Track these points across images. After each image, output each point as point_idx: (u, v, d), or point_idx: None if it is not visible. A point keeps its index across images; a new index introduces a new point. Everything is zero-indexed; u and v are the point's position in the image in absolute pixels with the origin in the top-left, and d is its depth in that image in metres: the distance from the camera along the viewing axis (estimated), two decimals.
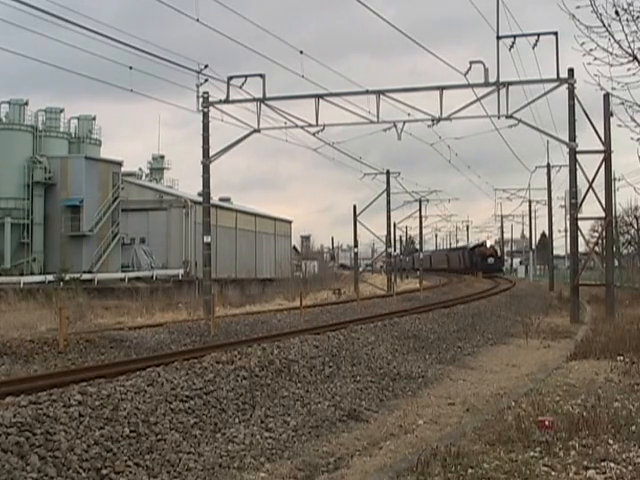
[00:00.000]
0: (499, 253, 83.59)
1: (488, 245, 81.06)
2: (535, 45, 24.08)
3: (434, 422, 10.12)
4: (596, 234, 46.92)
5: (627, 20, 11.78)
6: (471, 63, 24.17)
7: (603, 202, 25.62)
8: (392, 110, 27.04)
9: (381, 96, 25.77)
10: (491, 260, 78.83)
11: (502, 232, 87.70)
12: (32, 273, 51.33)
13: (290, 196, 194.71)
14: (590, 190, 25.70)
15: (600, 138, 25.03)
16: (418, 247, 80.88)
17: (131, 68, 24.49)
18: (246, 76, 26.69)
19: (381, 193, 50.34)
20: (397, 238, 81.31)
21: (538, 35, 24.11)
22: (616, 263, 36.24)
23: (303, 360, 12.77)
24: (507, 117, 25.29)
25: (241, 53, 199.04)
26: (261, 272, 73.20)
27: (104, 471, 7.14)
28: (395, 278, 62.18)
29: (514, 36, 24.21)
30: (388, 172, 50.01)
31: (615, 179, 32.18)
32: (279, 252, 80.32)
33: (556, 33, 23.69)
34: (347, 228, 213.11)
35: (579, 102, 24.71)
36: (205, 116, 27.36)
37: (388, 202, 50.78)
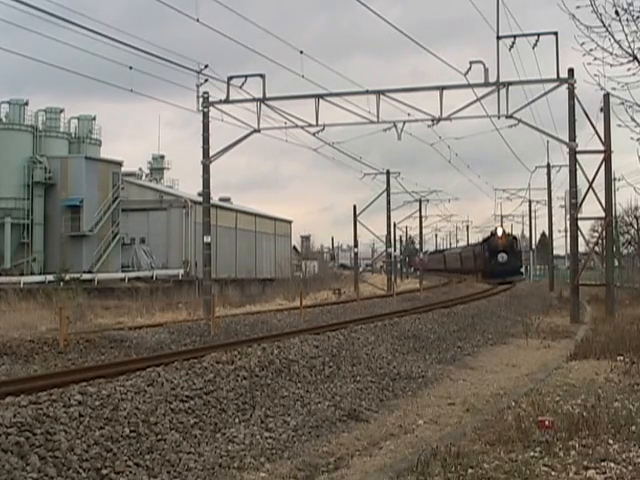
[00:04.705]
0: (517, 247, 60.44)
1: (500, 233, 59.11)
2: (535, 45, 24.07)
3: (434, 422, 10.12)
4: (596, 234, 46.94)
5: (627, 20, 11.81)
6: (471, 63, 24.16)
7: (603, 202, 25.62)
8: (392, 110, 27.06)
9: (381, 96, 25.75)
10: (502, 257, 56.20)
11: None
12: (32, 273, 51.34)
13: (290, 196, 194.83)
14: (590, 190, 25.70)
15: (600, 138, 25.03)
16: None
17: (131, 68, 24.48)
18: (246, 76, 26.67)
19: (381, 193, 50.40)
20: (397, 238, 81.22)
21: (538, 35, 24.10)
22: (616, 263, 36.24)
23: (303, 360, 12.77)
24: (507, 117, 25.28)
25: (241, 53, 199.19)
26: (261, 272, 73.20)
27: (104, 471, 7.14)
28: (395, 278, 62.18)
29: (514, 36, 24.19)
30: (388, 172, 50.03)
31: (615, 179, 32.15)
32: (279, 252, 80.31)
33: (556, 33, 23.69)
34: (347, 228, 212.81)
35: (579, 102, 24.72)
36: (205, 116, 27.33)
37: (388, 202, 50.81)
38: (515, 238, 62.03)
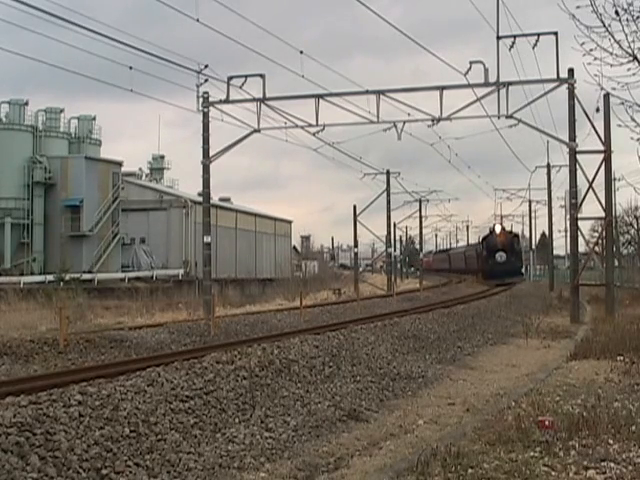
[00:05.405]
0: (519, 245, 56.75)
1: (498, 230, 54.85)
2: (535, 45, 24.08)
3: (434, 422, 10.11)
4: (596, 234, 46.94)
5: (627, 20, 11.81)
6: (471, 63, 24.18)
7: (603, 202, 25.62)
8: (392, 110, 27.09)
9: (381, 96, 25.76)
10: (501, 256, 52.61)
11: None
12: (32, 273, 51.34)
13: (290, 196, 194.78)
14: (590, 190, 25.70)
15: (600, 138, 25.03)
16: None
17: (131, 68, 24.50)
18: (246, 76, 26.67)
19: (381, 193, 50.41)
20: (397, 238, 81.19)
21: (538, 35, 24.11)
22: (616, 263, 36.23)
23: (303, 360, 12.77)
24: (507, 117, 25.29)
25: (241, 53, 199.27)
26: (261, 272, 73.19)
27: (104, 471, 7.14)
28: (395, 278, 62.17)
29: (514, 36, 24.20)
30: (388, 172, 50.04)
31: (615, 179, 32.16)
32: (279, 252, 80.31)
33: (556, 33, 23.70)
34: (347, 228, 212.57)
35: (579, 102, 24.73)
36: (205, 116, 27.34)
37: (388, 202, 50.82)
38: (516, 236, 58.45)
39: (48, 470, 6.82)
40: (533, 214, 65.57)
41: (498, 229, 55.05)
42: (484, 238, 57.21)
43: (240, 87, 26.40)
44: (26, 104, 58.69)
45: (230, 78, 26.68)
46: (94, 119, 64.97)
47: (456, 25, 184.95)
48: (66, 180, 54.95)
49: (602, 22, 11.78)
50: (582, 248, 32.38)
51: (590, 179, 25.59)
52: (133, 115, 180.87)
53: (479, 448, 7.39)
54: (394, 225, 63.81)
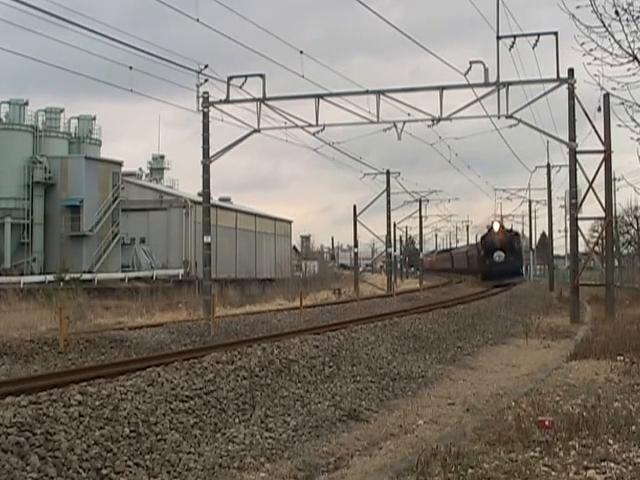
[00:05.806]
0: (519, 244, 54.38)
1: (496, 229, 51.86)
2: (535, 45, 24.08)
3: (434, 422, 10.12)
4: (596, 234, 46.86)
5: (627, 20, 11.80)
6: (471, 63, 24.17)
7: (603, 202, 25.62)
8: (392, 110, 27.09)
9: (381, 96, 25.76)
10: (499, 256, 50.23)
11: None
12: (32, 273, 51.30)
13: (290, 196, 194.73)
14: (590, 190, 25.71)
15: (600, 138, 25.03)
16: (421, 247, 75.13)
17: (131, 68, 24.49)
18: (246, 76, 26.68)
19: (381, 193, 50.42)
20: (397, 238, 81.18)
21: (538, 35, 24.11)
22: (616, 263, 36.22)
23: (303, 360, 12.78)
24: (507, 117, 25.29)
25: (241, 53, 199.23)
26: (261, 272, 73.17)
27: (104, 471, 7.14)
28: (395, 278, 62.16)
29: (514, 36, 24.20)
30: (388, 172, 50.05)
31: (615, 179, 32.14)
32: (279, 252, 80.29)
33: (556, 33, 23.71)
34: (347, 228, 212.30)
35: (579, 102, 24.73)
36: (205, 116, 27.34)
37: (388, 202, 50.82)
38: (517, 234, 56.12)
39: (48, 470, 6.82)
40: (533, 214, 65.61)
41: (496, 227, 52.28)
42: (482, 237, 55.13)
43: (240, 87, 26.42)
44: (26, 104, 58.64)
45: (230, 78, 26.68)
46: (94, 119, 64.94)
47: (456, 25, 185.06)
48: (66, 180, 54.93)
49: (602, 22, 11.78)
50: (582, 248, 32.40)
51: (590, 179, 25.60)
52: (133, 115, 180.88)
53: (479, 448, 7.39)
54: (394, 225, 63.86)
